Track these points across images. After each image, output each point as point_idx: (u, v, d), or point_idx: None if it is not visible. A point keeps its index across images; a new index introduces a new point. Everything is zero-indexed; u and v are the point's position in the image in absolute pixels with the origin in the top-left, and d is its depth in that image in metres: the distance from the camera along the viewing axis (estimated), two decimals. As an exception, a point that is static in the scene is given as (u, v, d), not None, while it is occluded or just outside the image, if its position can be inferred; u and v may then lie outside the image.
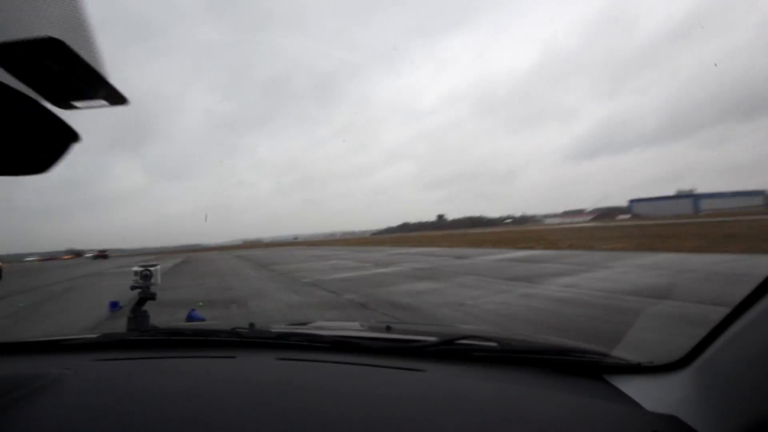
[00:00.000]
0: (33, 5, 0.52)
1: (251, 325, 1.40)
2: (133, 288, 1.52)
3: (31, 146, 0.68)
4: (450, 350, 1.17)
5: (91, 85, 0.62)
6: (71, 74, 0.60)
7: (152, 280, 1.53)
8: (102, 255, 72.66)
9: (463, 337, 1.23)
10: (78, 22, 0.55)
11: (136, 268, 1.54)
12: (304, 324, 1.71)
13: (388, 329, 1.44)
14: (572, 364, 1.08)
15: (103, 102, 0.66)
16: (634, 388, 0.95)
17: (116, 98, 0.66)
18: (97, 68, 0.60)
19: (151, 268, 1.53)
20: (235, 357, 1.21)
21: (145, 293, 1.51)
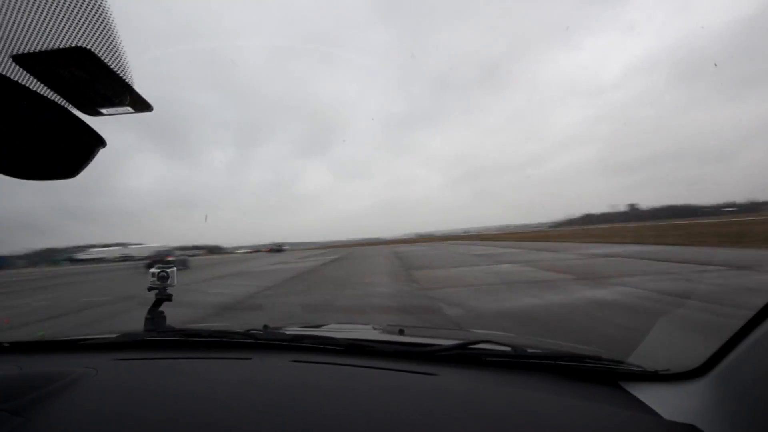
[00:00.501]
0: (64, 17, 0.56)
1: (265, 327, 1.45)
2: (150, 289, 1.56)
3: (60, 152, 0.72)
4: (463, 355, 1.17)
5: (117, 92, 0.67)
6: (98, 82, 0.64)
7: (169, 282, 1.57)
8: (277, 249, 77.46)
9: (477, 342, 1.22)
10: (107, 32, 0.59)
11: (153, 270, 1.59)
12: (317, 326, 1.73)
13: (402, 332, 1.47)
14: (587, 371, 1.07)
15: (129, 109, 0.70)
16: (651, 396, 0.94)
17: (141, 105, 0.70)
18: (124, 76, 0.64)
19: (168, 270, 1.58)
20: (250, 359, 1.23)
21: (162, 294, 1.55)
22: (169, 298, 1.58)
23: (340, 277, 13.92)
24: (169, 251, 28.27)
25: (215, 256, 74.42)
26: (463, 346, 1.20)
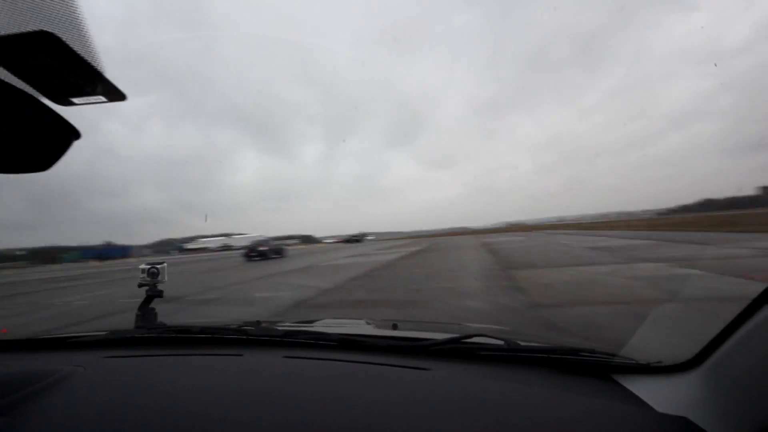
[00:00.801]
0: (27, 1, 0.54)
1: (258, 322, 1.44)
2: (140, 285, 1.55)
3: (32, 144, 0.69)
4: (456, 349, 1.17)
5: (88, 81, 0.64)
6: (67, 70, 0.61)
7: (159, 278, 1.55)
8: (355, 239, 79.96)
9: (470, 336, 1.23)
10: (72, 17, 0.56)
11: (143, 266, 1.56)
12: (310, 322, 1.72)
13: (395, 327, 1.47)
14: (580, 364, 1.08)
15: (101, 98, 0.68)
16: (643, 388, 0.95)
17: (114, 94, 0.68)
18: (93, 64, 0.61)
19: (158, 266, 1.55)
20: (242, 355, 1.23)
21: (153, 291, 1.54)
22: (159, 294, 1.56)
23: (416, 277, 10.77)
24: (265, 241, 28.68)
25: (304, 246, 76.87)
26: (456, 340, 1.21)
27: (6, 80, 0.60)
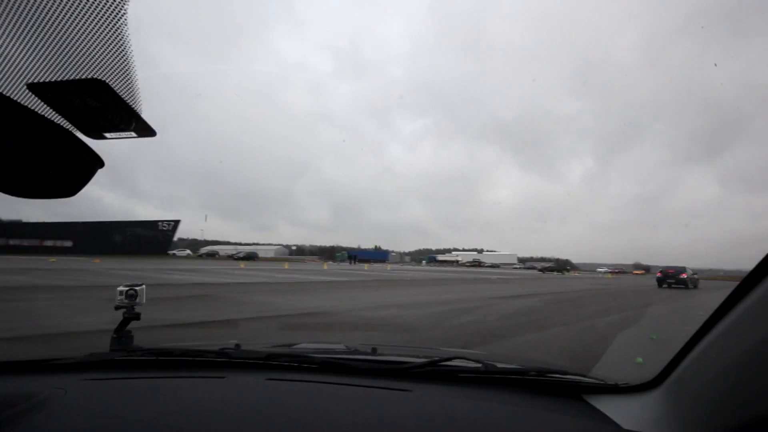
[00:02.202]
0: (83, 46, 0.59)
1: (237, 345, 1.43)
2: (117, 308, 1.52)
3: (62, 173, 0.74)
4: (435, 371, 1.21)
5: (125, 119, 0.69)
6: (109, 110, 0.67)
7: (137, 300, 1.53)
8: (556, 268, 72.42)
9: (449, 359, 1.27)
10: (124, 62, 0.61)
11: (120, 288, 1.54)
12: (290, 345, 1.74)
13: (374, 351, 1.49)
14: (553, 385, 1.13)
15: (132, 134, 0.72)
16: (611, 407, 1.00)
17: (145, 131, 0.73)
18: (133, 105, 0.66)
19: (137, 288, 1.54)
20: (224, 377, 1.23)
21: (130, 313, 1.52)
22: (137, 316, 1.53)
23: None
24: (533, 265, 31.19)
25: (558, 274, 71.24)
26: (435, 363, 1.24)
27: (46, 116, 0.66)
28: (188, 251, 75.07)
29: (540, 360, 1.53)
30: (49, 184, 0.76)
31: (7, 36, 0.57)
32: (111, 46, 0.60)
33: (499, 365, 1.25)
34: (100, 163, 0.76)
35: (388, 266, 52.15)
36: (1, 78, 0.61)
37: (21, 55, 0.59)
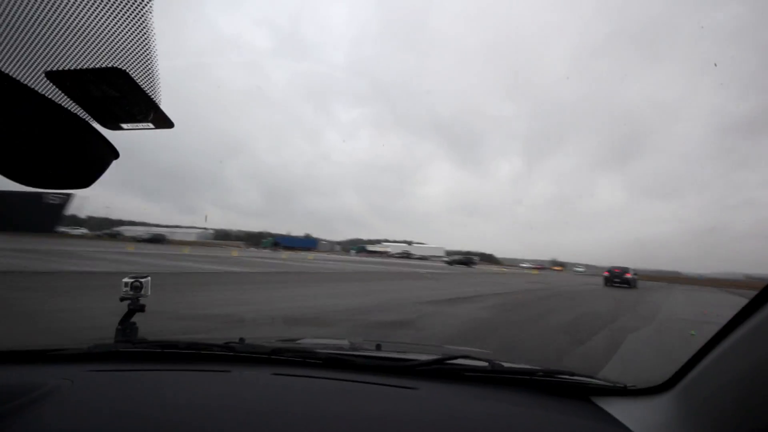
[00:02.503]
0: (102, 35, 0.57)
1: (242, 339, 1.40)
2: (122, 299, 1.48)
3: (78, 164, 0.73)
4: (441, 369, 1.20)
5: (143, 110, 0.67)
6: (127, 101, 0.65)
7: (142, 292, 1.50)
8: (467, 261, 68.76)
9: (455, 357, 1.27)
10: (146, 52, 0.60)
11: (126, 279, 1.51)
12: (294, 340, 1.72)
13: (379, 347, 1.48)
14: (561, 386, 1.13)
15: (150, 125, 0.71)
16: (620, 410, 0.99)
17: (163, 122, 0.71)
18: (152, 95, 0.65)
19: (142, 280, 1.50)
20: (230, 371, 1.21)
21: (135, 305, 1.48)
22: (141, 308, 1.49)
23: None
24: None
25: (487, 266, 70.78)
26: (441, 361, 1.23)
27: (64, 105, 0.64)
28: (84, 230, 67.21)
29: (549, 363, 1.46)
30: (64, 174, 0.74)
31: (26, 22, 0.55)
32: (134, 35, 0.58)
33: (506, 365, 1.25)
34: (115, 154, 0.74)
35: (311, 255, 48.05)
36: (20, 65, 0.59)
37: (40, 42, 0.57)
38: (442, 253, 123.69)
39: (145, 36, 0.57)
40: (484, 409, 1.00)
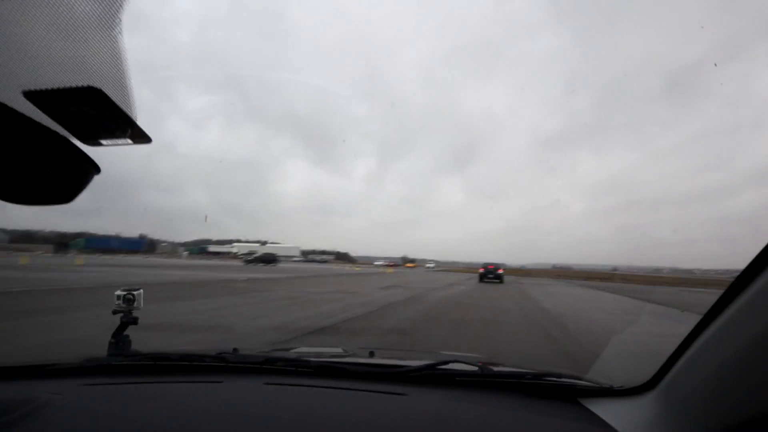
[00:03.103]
0: (77, 55, 0.58)
1: (235, 350, 1.42)
2: (115, 312, 1.48)
3: (59, 179, 0.73)
4: (432, 375, 1.20)
5: (121, 126, 0.69)
6: (104, 118, 0.67)
7: (135, 305, 1.50)
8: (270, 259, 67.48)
9: (445, 362, 1.25)
10: (119, 70, 0.61)
11: (118, 292, 1.51)
12: (287, 350, 1.76)
13: (372, 355, 1.47)
14: (549, 388, 1.12)
15: (129, 141, 0.72)
16: (606, 410, 1.00)
17: (141, 138, 0.72)
18: (129, 112, 0.66)
19: (134, 293, 1.50)
20: (222, 382, 1.21)
21: (128, 318, 1.48)
22: (134, 321, 1.50)
23: None
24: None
25: (340, 266, 65.77)
26: (431, 367, 1.22)
27: (42, 123, 0.65)
28: None
29: (538, 365, 1.47)
30: (45, 190, 0.75)
31: (2, 42, 0.56)
32: (106, 54, 0.59)
33: (496, 368, 1.24)
34: (96, 169, 0.75)
35: (76, 260, 34.57)
36: None
37: (15, 62, 0.59)
38: (297, 253, 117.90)
39: (118, 53, 0.59)
40: (473, 413, 1.01)
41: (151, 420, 0.97)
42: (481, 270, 28.51)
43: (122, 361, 1.33)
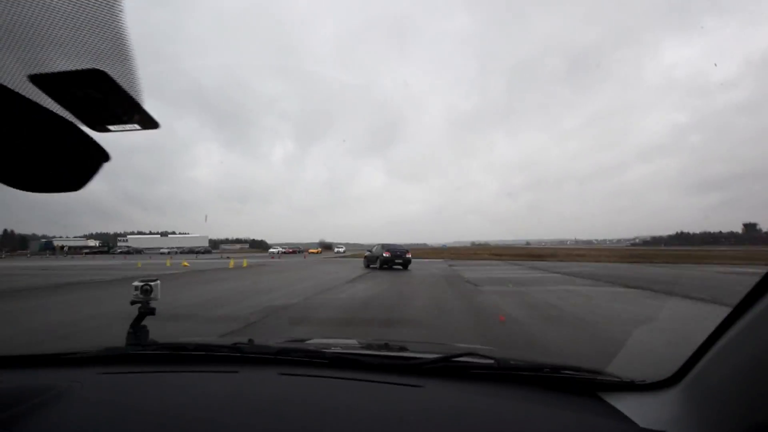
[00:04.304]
0: (80, 37, 0.58)
1: (250, 340, 1.42)
2: (133, 303, 1.51)
3: (67, 166, 0.74)
4: (447, 367, 1.19)
5: (127, 111, 0.69)
6: (111, 102, 0.67)
7: (152, 295, 1.52)
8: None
9: (461, 355, 1.24)
10: (122, 52, 0.61)
11: (136, 283, 1.53)
12: (302, 341, 1.73)
13: (386, 346, 1.48)
14: (567, 382, 1.09)
15: (136, 126, 0.72)
16: (627, 405, 0.97)
17: (149, 123, 0.72)
18: (135, 96, 0.66)
19: (152, 283, 1.53)
20: (237, 372, 1.22)
21: (145, 308, 1.51)
22: (152, 311, 1.53)
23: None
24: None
25: (246, 255, 60.18)
26: (447, 359, 1.21)
27: (49, 108, 0.65)
28: None
29: (555, 359, 1.44)
30: (54, 177, 0.75)
31: (4, 27, 0.56)
32: (108, 35, 0.58)
33: (512, 361, 1.22)
34: (105, 157, 0.75)
35: None
36: (2, 70, 0.60)
37: (20, 46, 0.58)
38: (205, 243, 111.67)
39: (119, 36, 0.59)
40: (490, 406, 1.00)
41: (169, 408, 0.99)
42: (387, 254, 21.11)
43: (140, 351, 1.36)
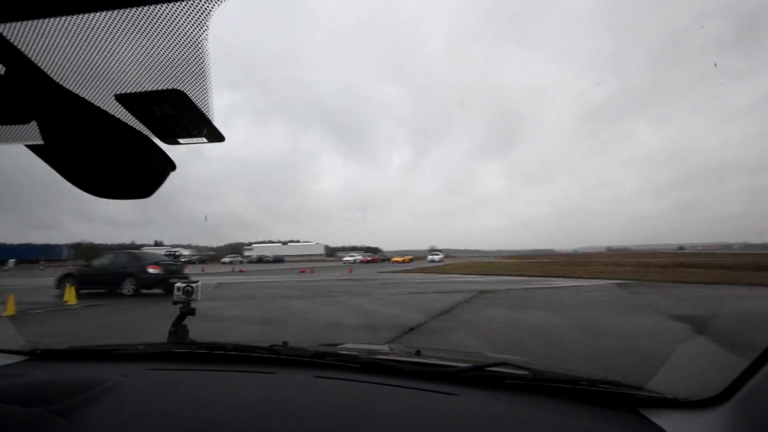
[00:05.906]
0: (163, 57, 0.63)
1: (285, 343, 1.45)
2: (175, 303, 1.59)
3: (140, 176, 0.81)
4: (481, 376, 1.18)
5: (198, 126, 0.74)
6: (184, 118, 0.72)
7: (193, 296, 1.60)
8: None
9: (495, 364, 1.23)
10: (201, 72, 0.65)
11: (178, 284, 1.61)
12: (334, 345, 1.75)
13: (418, 353, 1.48)
14: (606, 396, 1.07)
15: (204, 139, 0.77)
16: (670, 423, 0.94)
17: (215, 136, 0.77)
18: (207, 113, 0.71)
19: (193, 285, 1.60)
20: (274, 373, 1.25)
21: (186, 308, 1.58)
22: (192, 312, 1.60)
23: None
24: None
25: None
26: (481, 368, 1.21)
27: (129, 123, 0.72)
28: None
29: (591, 373, 1.39)
30: (129, 186, 0.83)
31: (97, 51, 0.62)
32: (190, 58, 0.63)
33: (548, 373, 1.20)
34: (172, 166, 0.81)
35: None
36: (93, 89, 0.67)
37: (110, 68, 0.65)
38: (321, 251, 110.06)
39: (202, 56, 0.63)
40: (525, 417, 0.99)
41: (206, 405, 1.04)
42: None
43: (181, 349, 1.43)
